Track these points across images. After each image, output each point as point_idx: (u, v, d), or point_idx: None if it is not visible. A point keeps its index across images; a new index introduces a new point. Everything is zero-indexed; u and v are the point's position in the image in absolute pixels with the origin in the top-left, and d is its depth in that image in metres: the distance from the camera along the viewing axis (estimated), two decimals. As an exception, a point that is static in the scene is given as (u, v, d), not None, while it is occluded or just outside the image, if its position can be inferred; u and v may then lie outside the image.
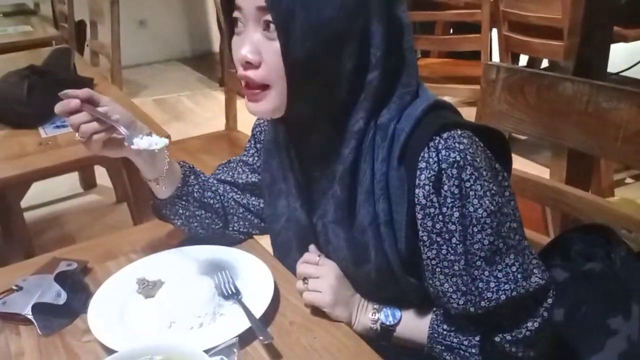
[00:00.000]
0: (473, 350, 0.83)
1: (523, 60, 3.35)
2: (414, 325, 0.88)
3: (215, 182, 1.06)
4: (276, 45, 0.74)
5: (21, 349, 0.84)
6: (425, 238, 0.80)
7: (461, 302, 0.80)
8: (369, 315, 0.88)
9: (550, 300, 0.82)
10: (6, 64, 2.24)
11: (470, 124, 0.82)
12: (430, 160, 0.77)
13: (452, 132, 0.77)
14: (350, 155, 0.81)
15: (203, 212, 1.00)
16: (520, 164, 2.82)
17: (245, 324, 0.82)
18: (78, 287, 0.92)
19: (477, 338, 0.83)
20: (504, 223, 0.79)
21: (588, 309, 0.93)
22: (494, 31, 2.82)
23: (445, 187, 0.77)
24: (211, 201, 1.01)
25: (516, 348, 0.82)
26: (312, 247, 0.92)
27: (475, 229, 0.77)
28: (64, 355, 0.82)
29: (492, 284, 0.78)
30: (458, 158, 0.76)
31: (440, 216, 0.78)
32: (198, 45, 5.55)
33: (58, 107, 0.86)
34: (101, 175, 2.91)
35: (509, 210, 0.81)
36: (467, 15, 2.70)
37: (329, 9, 0.73)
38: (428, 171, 0.77)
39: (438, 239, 0.79)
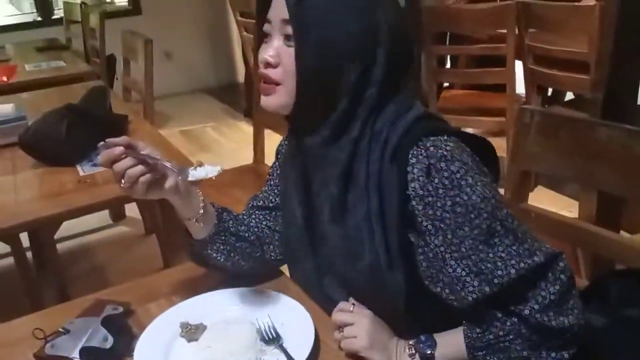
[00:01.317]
0: (511, 336, 0.85)
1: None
2: (451, 344, 0.90)
3: (245, 217, 1.09)
4: (289, 51, 0.87)
5: (69, 392, 0.86)
6: (430, 227, 0.85)
7: (475, 283, 0.84)
8: (406, 352, 0.91)
9: (562, 264, 0.86)
10: (42, 100, 2.32)
11: (458, 132, 0.90)
12: (420, 156, 0.85)
13: (439, 136, 0.86)
14: (346, 159, 0.89)
15: (242, 243, 1.04)
16: (548, 197, 2.82)
17: (288, 370, 0.84)
18: (123, 331, 0.94)
19: (509, 323, 0.85)
20: (500, 208, 0.85)
21: (628, 357, 0.92)
22: (518, 63, 2.83)
23: (436, 179, 0.83)
24: (246, 234, 1.05)
25: (547, 316, 0.84)
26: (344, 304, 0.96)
27: (472, 215, 0.83)
28: (110, 399, 0.84)
29: (498, 263, 0.83)
30: (445, 153, 0.84)
31: (438, 203, 0.84)
32: (223, 77, 5.65)
33: (102, 157, 0.90)
34: (130, 207, 2.96)
35: (502, 202, 0.87)
36: (492, 49, 2.72)
37: (341, 32, 0.85)
38: (419, 165, 0.84)
39: (441, 225, 0.84)
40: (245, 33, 4.03)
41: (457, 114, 2.85)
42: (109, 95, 2.01)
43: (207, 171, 0.90)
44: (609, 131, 1.03)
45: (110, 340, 0.90)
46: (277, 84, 0.88)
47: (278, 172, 1.11)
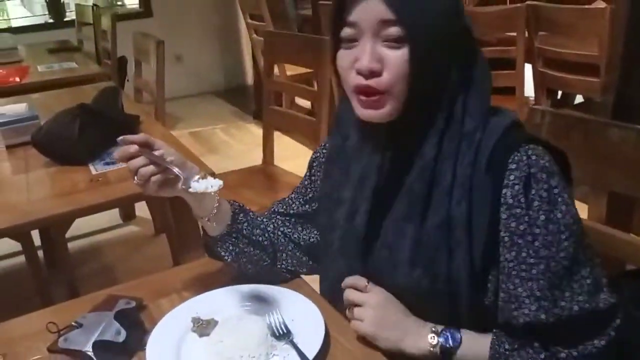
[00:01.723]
0: None
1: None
2: (475, 348, 0.87)
3: (264, 220, 1.09)
4: (399, 53, 0.81)
5: (82, 385, 0.87)
6: (506, 239, 0.81)
7: (533, 307, 0.80)
8: (427, 339, 0.87)
9: (618, 321, 0.82)
10: (54, 100, 2.34)
11: (547, 142, 0.87)
12: (521, 162, 0.80)
13: (538, 146, 0.83)
14: (430, 152, 0.84)
15: (252, 249, 1.04)
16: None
17: (299, 365, 0.84)
18: (136, 325, 0.95)
19: (542, 356, 0.81)
20: (585, 235, 0.82)
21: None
22: (528, 66, 2.83)
23: (534, 191, 0.79)
24: (260, 238, 1.05)
25: None
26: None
27: (563, 236, 0.79)
28: (123, 392, 0.85)
29: (567, 293, 0.80)
30: (547, 165, 0.80)
31: (526, 217, 0.80)
32: (232, 79, 5.68)
33: (118, 154, 0.92)
34: (140, 207, 2.99)
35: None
36: (501, 52, 2.72)
37: (446, 28, 0.82)
38: (519, 171, 0.80)
39: (520, 241, 0.80)
40: (254, 35, 4.05)
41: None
42: (120, 96, 2.02)
43: (206, 185, 0.90)
44: (620, 132, 1.03)
45: (123, 334, 0.91)
46: (383, 92, 0.83)
47: (309, 186, 1.08)
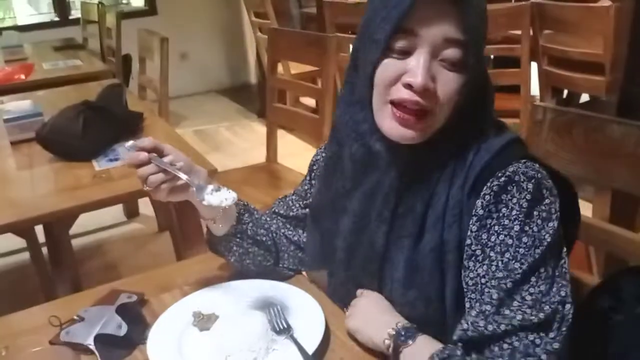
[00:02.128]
0: None
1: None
2: (424, 351, 0.79)
3: (268, 219, 1.09)
4: (455, 76, 0.77)
5: (83, 378, 0.87)
6: (478, 252, 0.78)
7: (473, 313, 0.76)
8: (386, 333, 0.83)
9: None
10: (59, 97, 2.35)
11: (550, 167, 0.84)
12: (506, 172, 0.77)
13: (533, 163, 0.79)
14: (436, 175, 0.82)
15: (256, 248, 1.04)
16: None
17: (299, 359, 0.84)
18: (137, 319, 0.96)
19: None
20: (561, 259, 0.77)
21: (641, 353, 0.92)
22: (533, 65, 2.83)
23: (515, 199, 0.76)
24: (264, 238, 1.05)
25: None
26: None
27: (538, 250, 0.75)
28: (124, 385, 0.86)
29: (515, 302, 0.74)
30: (536, 175, 0.77)
31: (497, 227, 0.77)
32: (236, 77, 5.69)
33: (128, 161, 0.91)
34: (144, 204, 2.99)
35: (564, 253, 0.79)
36: (506, 50, 2.71)
37: (483, 52, 0.80)
38: (492, 181, 0.77)
39: (492, 254, 0.77)
40: (259, 34, 4.06)
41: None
42: (124, 93, 2.03)
43: (220, 198, 0.90)
44: (623, 129, 1.03)
45: (124, 327, 0.91)
46: (427, 113, 0.78)
47: (309, 190, 1.07)
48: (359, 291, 0.94)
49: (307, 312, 0.95)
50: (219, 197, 0.89)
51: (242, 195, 1.10)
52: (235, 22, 5.52)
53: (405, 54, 0.77)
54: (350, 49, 0.89)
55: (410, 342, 0.81)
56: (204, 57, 5.46)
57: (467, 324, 0.75)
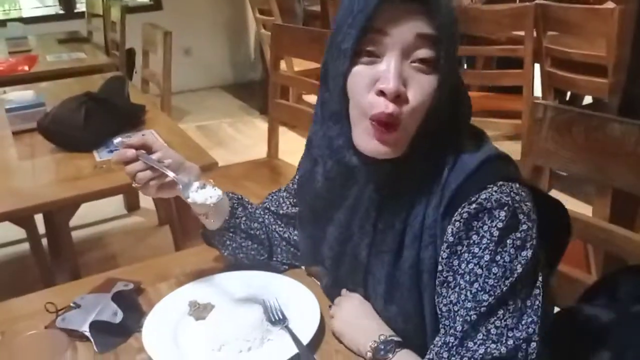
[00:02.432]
0: None
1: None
2: None
3: (261, 212, 1.09)
4: (428, 79, 0.73)
5: (78, 364, 0.88)
6: (450, 279, 0.75)
7: (439, 343, 0.74)
8: (369, 344, 0.84)
9: None
10: (62, 89, 2.35)
11: (533, 186, 0.79)
12: (479, 199, 0.73)
13: (510, 183, 0.74)
14: (412, 191, 0.79)
15: (250, 242, 1.04)
16: (562, 200, 2.80)
17: (293, 350, 0.85)
18: (133, 307, 0.96)
19: None
20: (535, 286, 0.74)
21: (636, 353, 0.92)
22: (536, 66, 2.82)
23: (486, 227, 0.72)
24: (257, 232, 1.05)
25: None
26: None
27: (507, 282, 0.71)
28: (118, 372, 0.86)
29: (479, 335, 0.72)
30: (510, 202, 0.72)
31: (467, 255, 0.73)
32: (240, 74, 5.69)
33: (115, 157, 0.91)
34: (144, 198, 3.00)
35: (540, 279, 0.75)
36: (509, 51, 2.71)
37: (457, 50, 0.76)
38: (463, 207, 0.73)
39: (461, 282, 0.74)
40: (263, 30, 4.05)
41: (472, 115, 2.84)
42: (127, 85, 2.03)
43: (206, 196, 0.89)
44: (623, 128, 1.03)
45: (120, 315, 0.91)
46: (400, 122, 0.74)
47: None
48: (343, 290, 0.94)
49: (302, 304, 0.95)
50: (204, 195, 0.89)
51: (241, 190, 1.10)
52: (240, 18, 5.52)
53: (375, 58, 0.74)
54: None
55: (390, 355, 0.81)
56: (207, 53, 5.47)
57: (432, 353, 0.74)
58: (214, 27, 5.46)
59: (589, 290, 1.00)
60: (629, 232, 1.10)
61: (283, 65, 3.16)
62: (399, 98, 0.73)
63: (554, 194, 2.70)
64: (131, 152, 0.89)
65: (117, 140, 0.89)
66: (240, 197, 1.06)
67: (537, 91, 2.85)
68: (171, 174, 0.90)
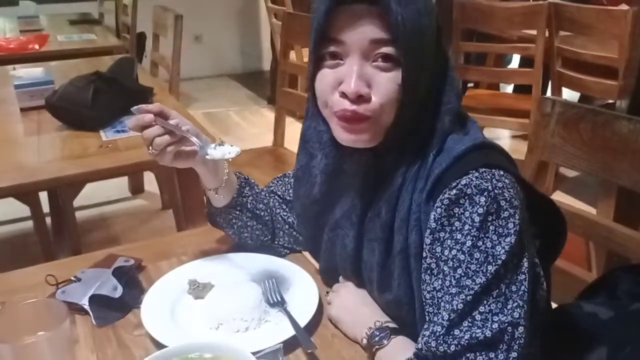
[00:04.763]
0: None
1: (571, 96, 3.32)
2: (395, 351, 0.81)
3: (267, 194, 1.09)
4: (390, 76, 0.75)
5: (76, 337, 0.88)
6: (433, 266, 0.75)
7: (427, 332, 0.74)
8: (365, 331, 0.85)
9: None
10: (71, 68, 2.36)
11: (521, 178, 0.79)
12: (459, 184, 0.73)
13: (493, 170, 0.74)
14: (398, 179, 0.81)
15: (255, 222, 1.04)
16: (566, 202, 2.79)
17: (290, 332, 0.85)
18: (133, 283, 0.96)
19: None
20: (520, 274, 0.73)
21: (633, 350, 0.91)
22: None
23: (467, 213, 0.72)
24: (262, 213, 1.05)
25: None
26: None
27: (490, 267, 0.71)
28: (116, 346, 0.86)
29: (465, 323, 0.72)
30: (490, 188, 0.72)
31: (450, 241, 0.73)
32: (249, 63, 5.69)
33: (132, 122, 0.89)
34: (149, 182, 3.01)
35: (530, 270, 0.74)
36: (520, 49, 2.70)
37: (430, 47, 0.77)
38: (444, 193, 0.74)
39: (445, 268, 0.74)
40: (274, 20, 4.04)
41: (480, 113, 2.83)
42: (136, 66, 2.03)
43: (224, 152, 0.88)
44: (631, 125, 1.02)
45: (120, 290, 0.92)
46: (369, 118, 0.77)
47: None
48: (340, 278, 0.95)
49: (301, 287, 0.96)
50: (222, 151, 0.88)
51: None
52: (252, 7, 5.51)
53: (339, 61, 0.77)
54: None
55: (385, 342, 0.82)
56: (218, 41, 5.46)
57: (421, 343, 0.74)
58: (226, 16, 5.45)
59: (588, 288, 1.00)
60: (631, 231, 1.09)
61: (293, 56, 3.16)
62: (361, 98, 0.75)
63: (558, 196, 2.71)
64: (149, 117, 0.87)
65: (134, 108, 0.89)
66: (247, 177, 1.06)
67: (547, 91, 2.84)
68: (192, 137, 0.88)
